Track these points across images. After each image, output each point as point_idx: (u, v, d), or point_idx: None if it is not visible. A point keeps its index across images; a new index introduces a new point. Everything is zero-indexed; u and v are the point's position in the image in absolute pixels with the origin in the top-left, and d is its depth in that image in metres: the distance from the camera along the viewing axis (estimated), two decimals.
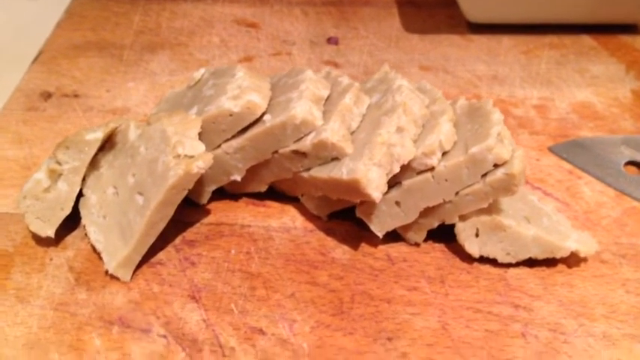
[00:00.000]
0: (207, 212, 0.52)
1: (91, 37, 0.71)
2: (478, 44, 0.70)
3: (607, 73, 0.66)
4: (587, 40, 0.71)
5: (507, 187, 0.43)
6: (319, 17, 0.74)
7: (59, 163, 0.48)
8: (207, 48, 0.69)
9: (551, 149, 0.57)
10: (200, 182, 0.50)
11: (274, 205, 0.52)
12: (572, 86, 0.64)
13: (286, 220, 0.51)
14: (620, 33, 0.71)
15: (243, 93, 0.46)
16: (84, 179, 0.48)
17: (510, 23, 0.72)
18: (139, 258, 0.46)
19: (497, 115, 0.44)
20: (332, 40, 0.70)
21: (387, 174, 0.43)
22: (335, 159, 0.45)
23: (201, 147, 0.45)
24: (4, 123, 0.59)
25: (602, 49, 0.69)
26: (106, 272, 0.46)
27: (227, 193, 0.52)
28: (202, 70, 0.54)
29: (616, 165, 0.55)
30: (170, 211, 0.45)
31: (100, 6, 0.75)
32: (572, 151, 0.56)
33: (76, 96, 0.62)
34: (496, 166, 0.43)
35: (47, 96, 0.62)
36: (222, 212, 0.52)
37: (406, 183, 0.45)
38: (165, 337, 0.43)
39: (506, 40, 0.71)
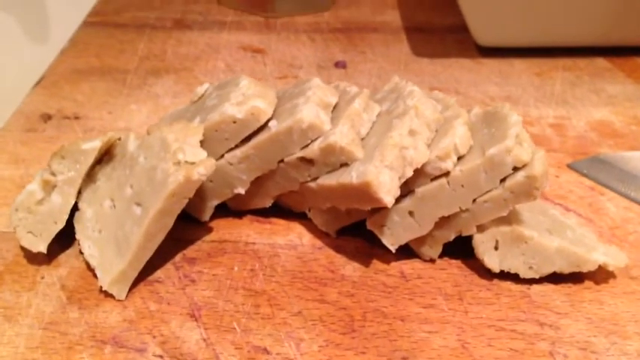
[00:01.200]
0: (210, 229, 0.49)
1: (94, 62, 0.69)
2: (489, 67, 0.69)
3: (624, 93, 0.64)
4: (601, 62, 0.69)
5: (528, 191, 0.40)
6: (326, 43, 0.73)
7: (54, 174, 0.45)
8: (212, 72, 0.68)
9: (570, 166, 0.54)
10: (202, 197, 0.47)
11: (280, 222, 0.49)
12: (588, 105, 0.62)
13: (293, 237, 0.48)
14: (636, 55, 0.69)
15: (248, 99, 0.44)
16: (80, 192, 0.46)
17: (522, 46, 0.70)
18: (135, 274, 0.43)
19: (514, 117, 0.42)
20: (340, 64, 0.69)
21: (400, 178, 0.41)
22: (344, 165, 0.43)
23: (202, 153, 0.42)
24: (2, 143, 0.57)
25: (617, 70, 0.67)
26: (100, 289, 0.43)
27: (230, 210, 0.50)
28: (206, 85, 0.52)
29: None
30: (169, 222, 0.42)
31: (104, 34, 0.75)
32: (593, 167, 0.54)
33: (76, 118, 0.61)
34: (515, 169, 0.40)
35: (47, 118, 0.61)
36: (224, 229, 0.49)
37: (420, 190, 0.42)
38: (161, 357, 0.40)
39: (518, 63, 0.69)
